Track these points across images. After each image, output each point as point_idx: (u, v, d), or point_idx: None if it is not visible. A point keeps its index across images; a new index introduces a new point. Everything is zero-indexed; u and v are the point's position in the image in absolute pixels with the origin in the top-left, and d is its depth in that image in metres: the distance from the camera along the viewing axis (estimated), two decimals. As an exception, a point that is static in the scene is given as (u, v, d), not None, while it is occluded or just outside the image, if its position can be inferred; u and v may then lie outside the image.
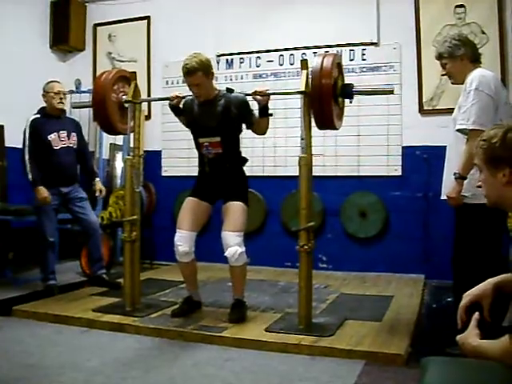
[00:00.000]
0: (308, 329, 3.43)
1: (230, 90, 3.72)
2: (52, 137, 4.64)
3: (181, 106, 3.87)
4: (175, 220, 6.10)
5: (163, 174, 6.32)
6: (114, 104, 4.04)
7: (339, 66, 3.49)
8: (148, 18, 6.40)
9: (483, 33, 5.10)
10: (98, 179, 5.01)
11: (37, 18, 6.34)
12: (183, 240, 3.76)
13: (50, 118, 4.69)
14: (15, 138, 5.72)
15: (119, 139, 6.12)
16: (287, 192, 5.44)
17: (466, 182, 3.01)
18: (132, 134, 4.08)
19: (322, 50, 5.59)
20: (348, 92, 3.50)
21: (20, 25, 6.04)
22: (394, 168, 5.35)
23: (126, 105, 4.04)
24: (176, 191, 6.16)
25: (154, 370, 2.98)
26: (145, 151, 5.45)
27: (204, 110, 3.75)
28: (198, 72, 3.56)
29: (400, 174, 5.34)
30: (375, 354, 3.07)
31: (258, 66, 5.93)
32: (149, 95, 6.19)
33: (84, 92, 6.03)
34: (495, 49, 5.04)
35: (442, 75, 3.37)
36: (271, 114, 3.70)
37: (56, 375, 2.88)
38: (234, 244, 3.63)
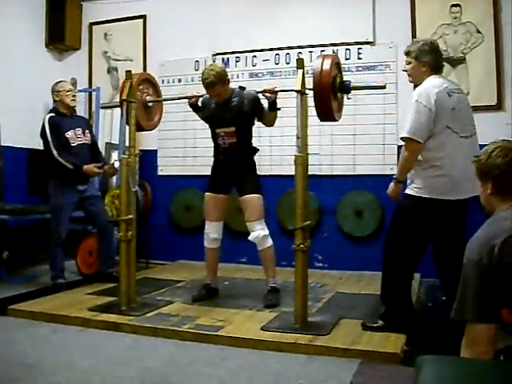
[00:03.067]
0: (304, 328, 3.44)
1: (242, 88, 4.18)
2: (69, 134, 4.70)
3: (199, 103, 4.29)
4: (171, 219, 6.18)
5: (159, 173, 6.31)
6: (139, 104, 4.23)
7: (338, 65, 3.77)
8: (144, 17, 6.39)
9: (479, 32, 5.10)
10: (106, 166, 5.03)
11: (32, 17, 6.31)
12: (213, 229, 4.25)
13: (63, 116, 4.75)
14: (11, 138, 5.74)
15: (115, 138, 6.12)
16: (283, 191, 5.44)
17: (415, 175, 3.33)
18: (127, 133, 4.10)
19: (318, 49, 5.62)
20: (345, 88, 3.76)
21: (15, 24, 6.01)
22: (389, 167, 5.34)
23: (150, 104, 4.38)
24: (172, 190, 6.17)
25: (150, 369, 2.98)
26: (140, 150, 5.47)
27: (221, 106, 4.12)
28: (216, 85, 3.95)
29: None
30: (371, 352, 3.08)
31: (254, 65, 5.92)
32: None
33: (80, 91, 6.03)
34: (491, 48, 5.05)
35: (404, 70, 3.54)
36: (279, 109, 4.11)
37: (51, 375, 2.88)
38: (257, 229, 4.09)
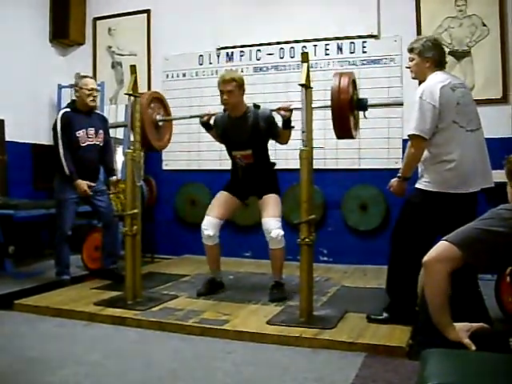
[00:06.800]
0: (309, 321, 3.44)
1: (256, 106, 4.13)
2: (80, 133, 4.60)
3: (211, 122, 4.26)
4: (176, 214, 6.19)
5: (164, 167, 6.31)
6: (150, 123, 4.24)
7: (354, 82, 3.74)
8: (148, 11, 6.39)
9: (484, 25, 5.09)
10: (114, 177, 4.99)
11: (36, 12, 6.32)
12: (209, 225, 4.16)
13: (79, 113, 4.64)
14: (15, 133, 5.75)
15: (120, 133, 6.12)
16: (288, 185, 5.43)
17: (425, 170, 3.33)
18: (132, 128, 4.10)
19: (323, 43, 5.62)
20: (362, 105, 3.74)
21: (19, 19, 6.02)
22: (394, 161, 5.34)
23: (160, 123, 4.36)
24: (177, 185, 6.18)
25: (156, 363, 2.99)
26: (145, 145, 5.45)
27: (235, 126, 4.12)
28: (233, 82, 3.96)
29: (400, 166, 5.31)
30: (376, 346, 3.08)
31: (258, 59, 5.91)
32: (149, 89, 6.15)
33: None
34: (496, 41, 5.04)
35: (407, 67, 3.52)
36: (293, 127, 4.00)
37: (57, 369, 2.89)
38: (276, 227, 4.00)
